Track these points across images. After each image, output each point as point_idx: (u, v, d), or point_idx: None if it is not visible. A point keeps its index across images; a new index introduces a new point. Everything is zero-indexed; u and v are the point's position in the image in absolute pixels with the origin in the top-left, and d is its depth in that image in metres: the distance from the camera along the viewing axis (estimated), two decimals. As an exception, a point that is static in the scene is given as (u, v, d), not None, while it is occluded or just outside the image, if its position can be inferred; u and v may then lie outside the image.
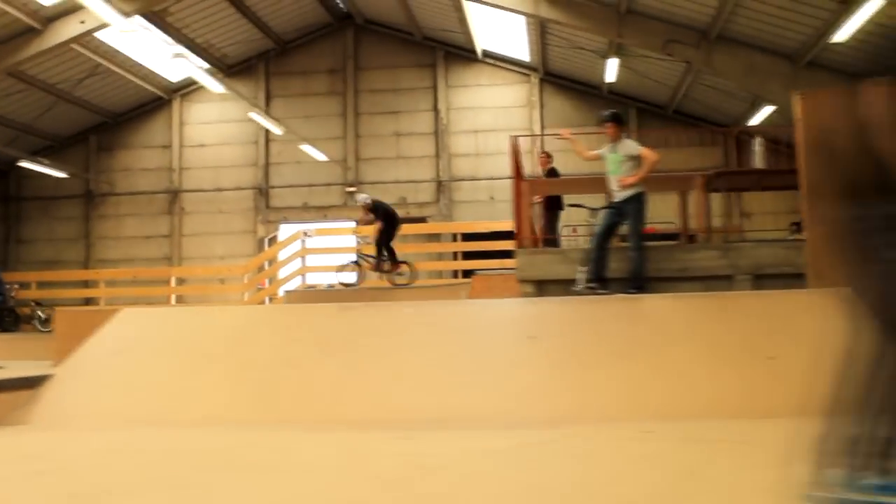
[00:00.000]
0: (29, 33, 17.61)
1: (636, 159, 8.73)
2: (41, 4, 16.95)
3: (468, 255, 18.33)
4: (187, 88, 23.10)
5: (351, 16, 22.57)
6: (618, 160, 8.80)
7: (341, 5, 22.08)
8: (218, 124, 23.03)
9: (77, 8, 17.05)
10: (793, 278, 7.95)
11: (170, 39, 19.49)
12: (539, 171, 13.78)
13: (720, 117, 20.26)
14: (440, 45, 22.26)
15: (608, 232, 8.93)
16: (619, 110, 9.29)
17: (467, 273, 17.28)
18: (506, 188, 21.33)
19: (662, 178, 9.45)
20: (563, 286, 9.12)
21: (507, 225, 18.26)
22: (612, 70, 18.09)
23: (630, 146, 8.84)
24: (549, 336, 7.18)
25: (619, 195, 8.78)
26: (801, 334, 6.91)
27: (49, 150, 23.09)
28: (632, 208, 8.72)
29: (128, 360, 7.43)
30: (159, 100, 23.30)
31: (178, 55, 14.02)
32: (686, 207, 10.84)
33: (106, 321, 8.31)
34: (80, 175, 23.21)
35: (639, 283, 8.65)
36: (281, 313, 8.74)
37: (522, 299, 9.10)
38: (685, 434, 5.15)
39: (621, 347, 6.94)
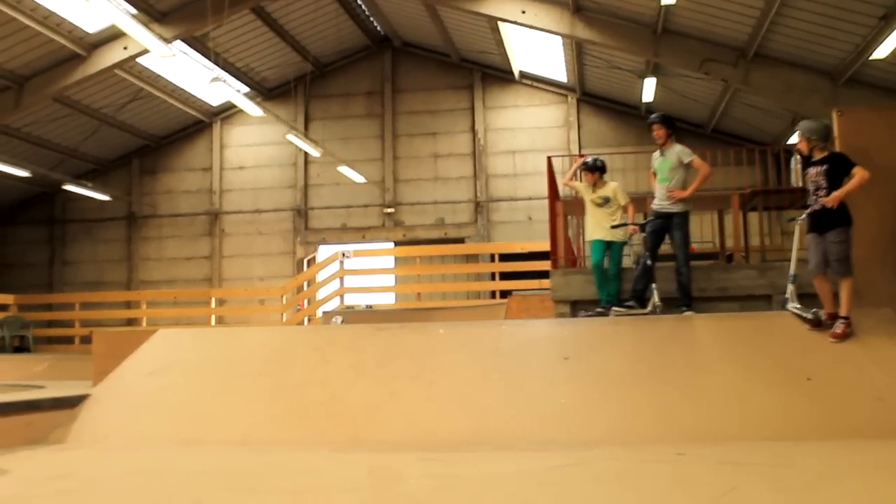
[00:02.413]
0: (74, 59, 17.99)
1: (687, 168, 8.65)
2: (86, 31, 17.34)
3: (505, 276, 18.26)
4: (227, 112, 23.41)
5: (388, 38, 22.75)
6: (667, 167, 8.66)
7: (379, 28, 22.26)
8: (257, 147, 23.31)
9: (120, 34, 17.41)
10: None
11: (210, 64, 19.85)
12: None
13: (759, 135, 20.01)
14: (477, 66, 22.33)
15: (658, 244, 8.80)
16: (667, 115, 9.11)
17: (505, 294, 17.23)
18: (544, 208, 21.29)
19: (699, 197, 9.32)
20: (596, 306, 9.05)
21: (544, 245, 18.31)
22: (649, 90, 18.00)
23: (681, 152, 8.65)
24: (583, 357, 7.14)
25: (667, 206, 8.62)
26: (840, 355, 6.85)
27: (93, 174, 23.49)
28: (678, 222, 8.61)
29: (163, 380, 7.50)
30: (200, 123, 23.62)
31: (215, 80, 14.16)
32: (723, 227, 10.74)
33: (143, 342, 8.43)
34: (123, 197, 23.58)
35: (689, 300, 8.52)
36: (314, 334, 8.77)
37: (557, 320, 9.03)
38: (719, 457, 5.07)
39: (654, 369, 6.88)
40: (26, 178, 20.56)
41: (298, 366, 7.47)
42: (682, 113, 20.96)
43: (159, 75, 20.29)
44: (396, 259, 20.49)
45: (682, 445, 5.51)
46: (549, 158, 10.38)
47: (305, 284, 19.98)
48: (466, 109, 22.44)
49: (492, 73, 22.28)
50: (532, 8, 16.16)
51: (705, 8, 14.50)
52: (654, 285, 8.43)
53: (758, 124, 19.65)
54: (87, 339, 20.50)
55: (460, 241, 21.55)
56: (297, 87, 22.90)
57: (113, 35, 17.54)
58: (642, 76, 17.97)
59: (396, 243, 22.14)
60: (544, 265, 16.81)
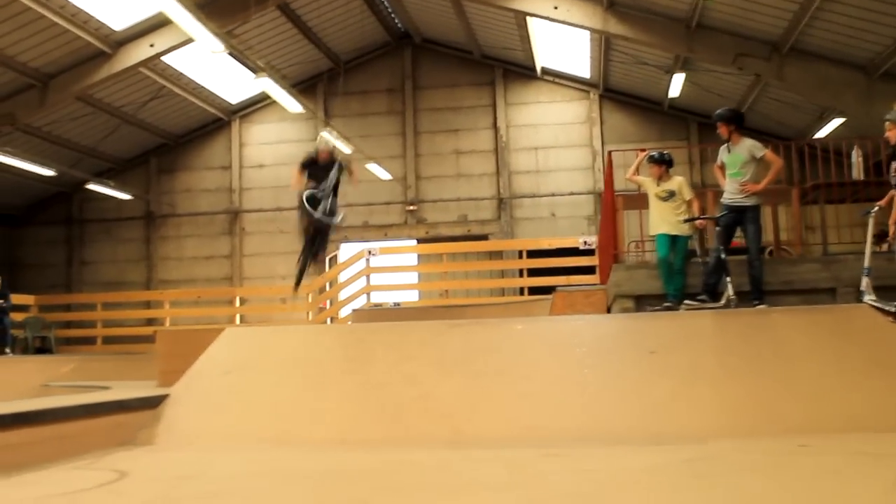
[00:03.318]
0: (99, 57, 17.90)
1: (759, 161, 8.66)
2: (112, 29, 17.25)
3: (532, 273, 18.24)
4: (246, 110, 23.33)
5: (408, 35, 22.69)
6: (738, 161, 8.68)
7: (399, 25, 22.21)
8: (277, 145, 23.22)
9: (147, 31, 17.39)
10: None
11: (233, 61, 19.75)
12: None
13: (782, 130, 19.98)
14: (499, 63, 22.30)
15: (730, 238, 8.83)
16: (737, 110, 9.20)
17: (534, 290, 17.22)
18: (567, 205, 21.39)
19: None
20: (661, 301, 9.04)
21: (571, 241, 18.33)
22: (677, 85, 17.98)
23: (752, 147, 8.68)
24: (670, 351, 7.06)
25: (740, 200, 8.64)
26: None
27: (110, 173, 23.31)
28: (752, 215, 8.63)
29: (242, 379, 7.39)
30: (218, 121, 23.51)
31: (261, 74, 14.13)
32: (777, 221, 10.73)
33: (206, 340, 8.34)
34: (142, 196, 23.47)
35: (761, 294, 8.53)
36: (386, 331, 8.67)
37: (631, 314, 9.00)
38: (845, 448, 5.02)
39: (745, 361, 6.81)
40: (43, 177, 20.45)
41: (379, 363, 7.37)
42: (706, 108, 20.91)
43: (181, 73, 20.19)
44: (420, 256, 20.44)
45: (792, 437, 5.44)
46: (609, 153, 10.37)
47: (327, 285, 19.90)
48: (488, 106, 22.41)
49: (513, 69, 22.26)
50: (565, 3, 16.14)
51: (740, 2, 14.49)
52: (728, 279, 8.42)
53: (782, 119, 19.64)
54: (109, 340, 20.54)
55: (483, 237, 21.53)
56: (316, 84, 22.83)
57: (139, 32, 17.51)
58: (670, 71, 17.96)
59: (419, 241, 22.07)
60: (574, 261, 16.95)
